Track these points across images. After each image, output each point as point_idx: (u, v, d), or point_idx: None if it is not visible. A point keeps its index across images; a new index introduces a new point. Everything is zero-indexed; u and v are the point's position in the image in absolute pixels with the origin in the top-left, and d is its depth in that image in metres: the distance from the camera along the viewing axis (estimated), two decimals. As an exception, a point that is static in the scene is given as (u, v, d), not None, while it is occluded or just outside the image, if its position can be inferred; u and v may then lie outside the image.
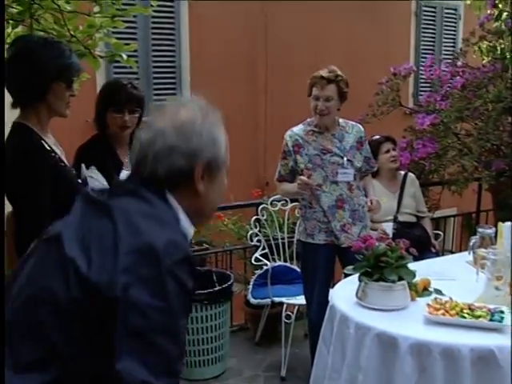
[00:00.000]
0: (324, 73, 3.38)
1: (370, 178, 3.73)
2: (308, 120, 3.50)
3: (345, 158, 3.42)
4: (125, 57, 3.01)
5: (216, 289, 3.94)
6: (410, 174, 4.40)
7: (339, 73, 3.41)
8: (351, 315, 2.55)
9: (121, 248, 1.25)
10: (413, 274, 2.64)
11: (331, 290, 3.03)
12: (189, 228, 1.46)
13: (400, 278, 2.56)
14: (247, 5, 7.57)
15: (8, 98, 2.23)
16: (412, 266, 2.74)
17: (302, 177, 3.31)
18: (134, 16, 6.79)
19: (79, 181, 2.40)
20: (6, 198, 2.18)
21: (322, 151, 3.42)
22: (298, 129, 3.49)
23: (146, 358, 1.21)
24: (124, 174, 2.91)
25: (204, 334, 3.93)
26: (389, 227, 3.35)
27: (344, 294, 2.77)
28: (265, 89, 7.90)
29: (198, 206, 1.46)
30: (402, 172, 4.33)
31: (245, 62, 7.98)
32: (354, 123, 3.57)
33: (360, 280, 2.63)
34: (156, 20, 7.35)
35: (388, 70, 4.98)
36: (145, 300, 1.21)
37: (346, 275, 2.87)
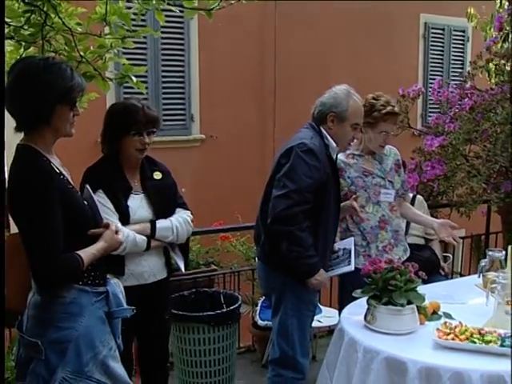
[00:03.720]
0: (395, 108, 3.37)
1: None
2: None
3: (386, 179, 3.43)
4: (134, 79, 3.03)
5: (224, 310, 3.91)
6: (419, 196, 4.39)
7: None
8: (360, 339, 2.53)
9: None
10: (422, 297, 2.62)
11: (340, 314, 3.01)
12: None
13: (409, 302, 2.55)
14: (258, 27, 7.65)
15: (10, 123, 2.21)
16: (421, 289, 2.72)
17: (354, 203, 3.25)
18: (144, 37, 6.88)
19: (85, 202, 2.37)
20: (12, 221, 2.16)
21: (363, 173, 3.41)
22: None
23: None
24: (133, 198, 2.90)
25: (211, 355, 3.89)
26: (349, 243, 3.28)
27: (353, 317, 2.76)
28: (273, 111, 7.95)
29: None
30: (411, 194, 4.32)
31: (253, 84, 8.04)
32: (391, 146, 3.56)
33: (369, 303, 2.62)
34: (166, 41, 7.42)
35: (396, 91, 4.99)
36: None
37: (355, 298, 2.84)
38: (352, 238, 3.26)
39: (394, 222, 3.44)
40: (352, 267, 3.05)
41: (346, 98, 2.99)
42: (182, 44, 7.63)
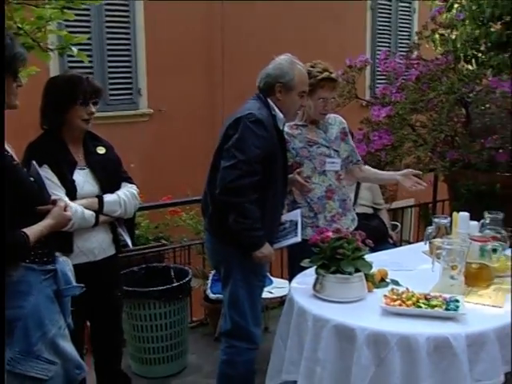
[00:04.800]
0: (332, 74, 3.35)
1: None
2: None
3: (331, 148, 3.43)
4: (75, 50, 2.95)
5: (174, 285, 3.90)
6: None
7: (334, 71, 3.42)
8: (309, 308, 2.55)
9: None
10: (369, 265, 2.65)
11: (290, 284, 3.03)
12: None
13: (357, 270, 2.57)
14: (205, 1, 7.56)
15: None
16: (369, 257, 2.76)
17: (297, 176, 3.27)
18: (87, 9, 6.70)
19: (31, 179, 2.31)
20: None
21: (308, 143, 3.41)
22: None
23: None
24: (78, 173, 2.84)
25: (163, 330, 3.89)
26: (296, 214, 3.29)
27: (302, 287, 2.77)
28: (222, 84, 7.89)
29: None
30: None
31: (201, 57, 7.96)
32: (335, 115, 3.57)
33: (317, 273, 2.63)
34: (110, 13, 7.26)
35: (344, 62, 5.00)
36: None
37: (304, 268, 2.86)
38: (299, 210, 3.27)
39: (341, 192, 3.46)
40: (299, 239, 3.06)
41: (291, 67, 2.98)
42: (127, 17, 7.47)
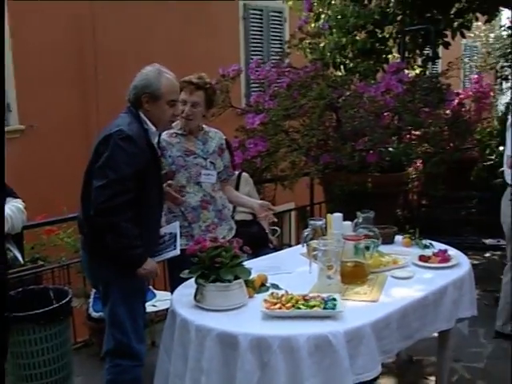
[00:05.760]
0: (194, 78, 3.36)
1: None
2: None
3: (208, 160, 3.44)
4: None
5: (53, 306, 3.74)
6: (244, 174, 4.48)
7: (208, 80, 3.43)
8: (191, 318, 2.54)
9: None
10: (248, 271, 2.68)
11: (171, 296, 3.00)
12: None
13: (236, 277, 2.59)
14: (75, 13, 7.35)
15: None
16: (248, 263, 2.80)
17: (170, 190, 3.25)
18: None
19: None
20: None
21: (185, 153, 3.41)
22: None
23: None
24: None
25: (45, 355, 3.72)
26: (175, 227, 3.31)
27: (183, 298, 2.76)
28: (95, 98, 7.71)
29: None
30: (236, 172, 4.40)
31: (73, 71, 7.75)
32: (216, 130, 3.59)
33: (197, 283, 2.63)
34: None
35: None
36: None
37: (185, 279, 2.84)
38: (177, 222, 3.25)
39: (218, 202, 3.48)
40: (178, 251, 3.04)
41: (157, 77, 2.95)
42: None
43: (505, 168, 4.11)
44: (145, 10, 8.02)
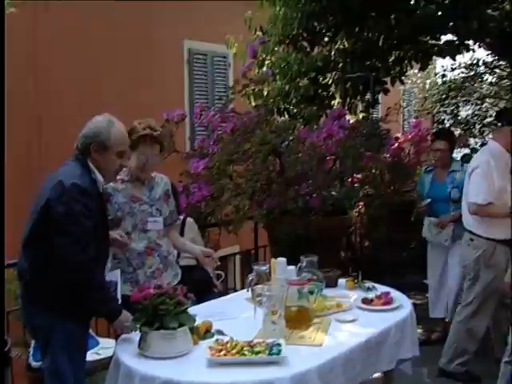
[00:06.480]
0: (154, 132, 3.38)
1: None
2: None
3: (154, 207, 3.43)
4: None
5: (-11, 358, 3.61)
6: (189, 219, 4.49)
7: (158, 128, 3.46)
8: (135, 367, 2.50)
9: None
10: (192, 318, 2.67)
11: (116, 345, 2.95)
12: None
13: (181, 324, 2.57)
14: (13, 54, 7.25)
15: None
16: (193, 309, 2.79)
17: (117, 236, 3.23)
18: None
19: None
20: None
21: (131, 199, 3.39)
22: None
23: None
24: None
25: (-21, 409, 3.58)
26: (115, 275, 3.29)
27: (127, 346, 2.72)
28: (38, 141, 7.59)
29: None
30: (181, 216, 4.39)
31: (15, 112, 7.60)
32: (163, 176, 3.59)
33: (141, 330, 2.60)
34: None
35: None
36: None
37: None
38: (118, 270, 3.22)
39: (163, 248, 3.47)
40: (118, 299, 3.01)
41: (106, 127, 2.94)
42: None
43: (465, 213, 4.23)
44: (92, 51, 7.98)
